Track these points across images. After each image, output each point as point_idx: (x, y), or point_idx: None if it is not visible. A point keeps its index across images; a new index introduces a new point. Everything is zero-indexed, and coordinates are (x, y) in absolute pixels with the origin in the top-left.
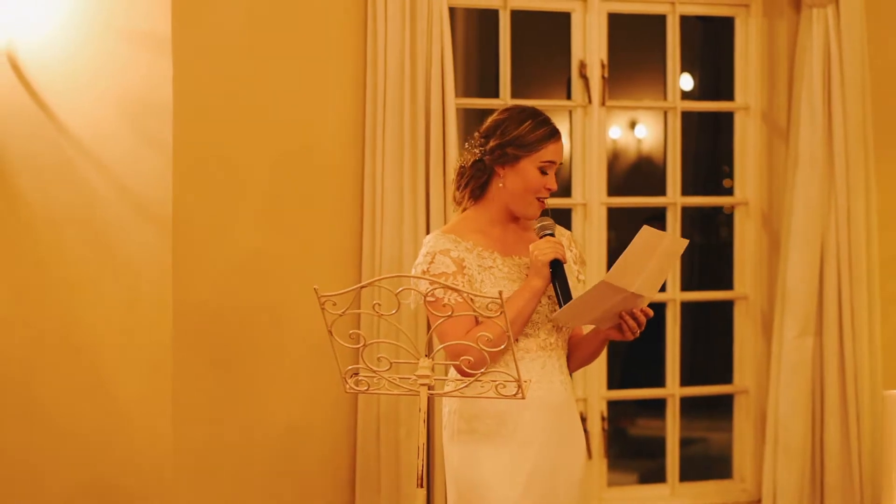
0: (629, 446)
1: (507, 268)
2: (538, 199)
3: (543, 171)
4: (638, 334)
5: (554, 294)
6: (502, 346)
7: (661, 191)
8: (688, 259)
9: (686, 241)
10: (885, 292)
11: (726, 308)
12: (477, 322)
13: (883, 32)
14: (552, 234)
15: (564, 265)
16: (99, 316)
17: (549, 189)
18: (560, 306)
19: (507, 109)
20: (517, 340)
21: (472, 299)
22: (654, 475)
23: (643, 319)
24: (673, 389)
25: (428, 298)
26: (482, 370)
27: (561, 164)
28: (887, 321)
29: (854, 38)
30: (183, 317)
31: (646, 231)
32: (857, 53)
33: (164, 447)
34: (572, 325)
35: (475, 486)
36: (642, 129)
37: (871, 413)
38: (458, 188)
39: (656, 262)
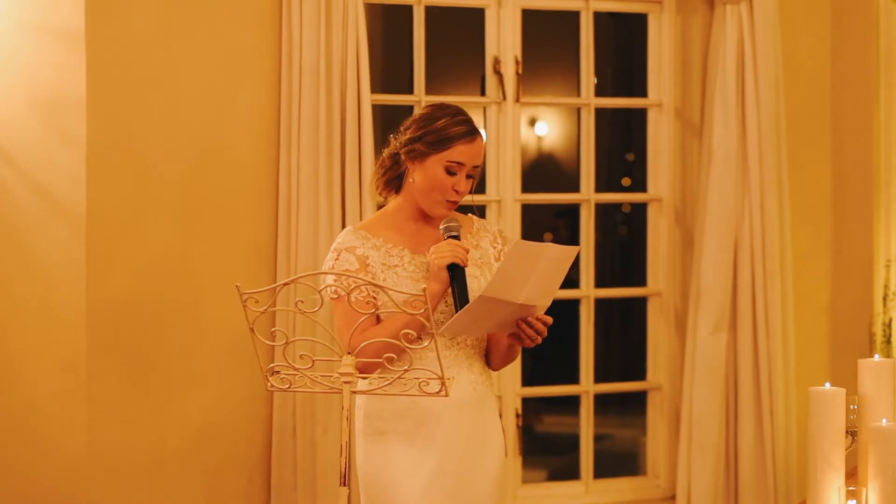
0: (537, 443)
1: (414, 266)
2: (448, 200)
3: (450, 172)
4: (539, 341)
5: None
6: (425, 344)
7: (563, 187)
8: (598, 256)
9: (576, 249)
10: (799, 289)
11: (640, 305)
12: (379, 320)
13: (796, 29)
14: (457, 237)
15: (465, 269)
16: (11, 315)
17: (456, 191)
18: (457, 312)
19: (432, 105)
20: (420, 339)
21: (372, 298)
22: (564, 472)
23: (540, 327)
24: (587, 386)
25: (331, 296)
26: (405, 369)
27: (477, 167)
28: (801, 317)
29: (767, 36)
30: (97, 316)
31: (519, 244)
32: (771, 50)
33: (78, 447)
34: (471, 335)
35: (380, 483)
36: (543, 126)
37: (785, 409)
38: (376, 177)
39: (542, 271)
